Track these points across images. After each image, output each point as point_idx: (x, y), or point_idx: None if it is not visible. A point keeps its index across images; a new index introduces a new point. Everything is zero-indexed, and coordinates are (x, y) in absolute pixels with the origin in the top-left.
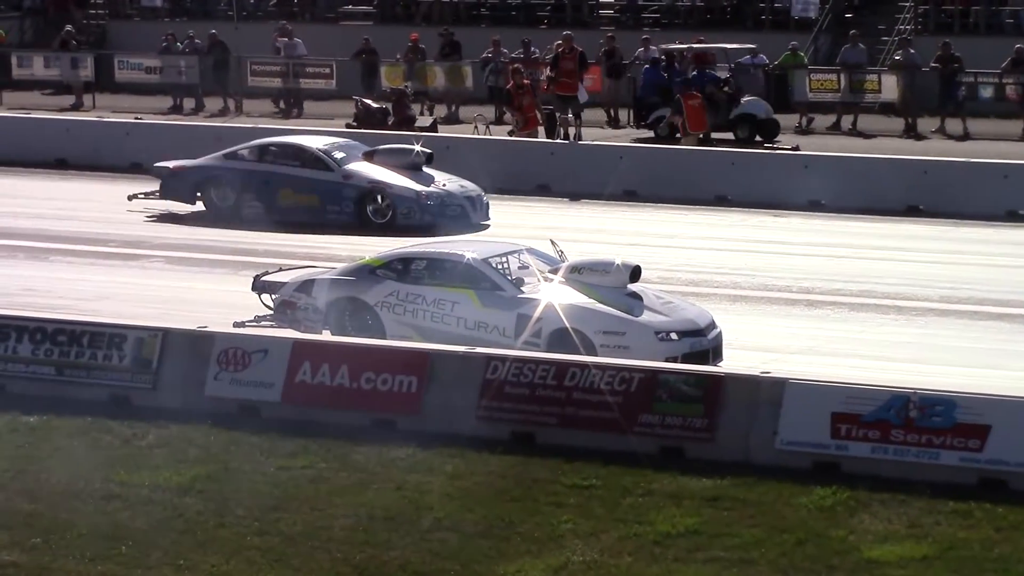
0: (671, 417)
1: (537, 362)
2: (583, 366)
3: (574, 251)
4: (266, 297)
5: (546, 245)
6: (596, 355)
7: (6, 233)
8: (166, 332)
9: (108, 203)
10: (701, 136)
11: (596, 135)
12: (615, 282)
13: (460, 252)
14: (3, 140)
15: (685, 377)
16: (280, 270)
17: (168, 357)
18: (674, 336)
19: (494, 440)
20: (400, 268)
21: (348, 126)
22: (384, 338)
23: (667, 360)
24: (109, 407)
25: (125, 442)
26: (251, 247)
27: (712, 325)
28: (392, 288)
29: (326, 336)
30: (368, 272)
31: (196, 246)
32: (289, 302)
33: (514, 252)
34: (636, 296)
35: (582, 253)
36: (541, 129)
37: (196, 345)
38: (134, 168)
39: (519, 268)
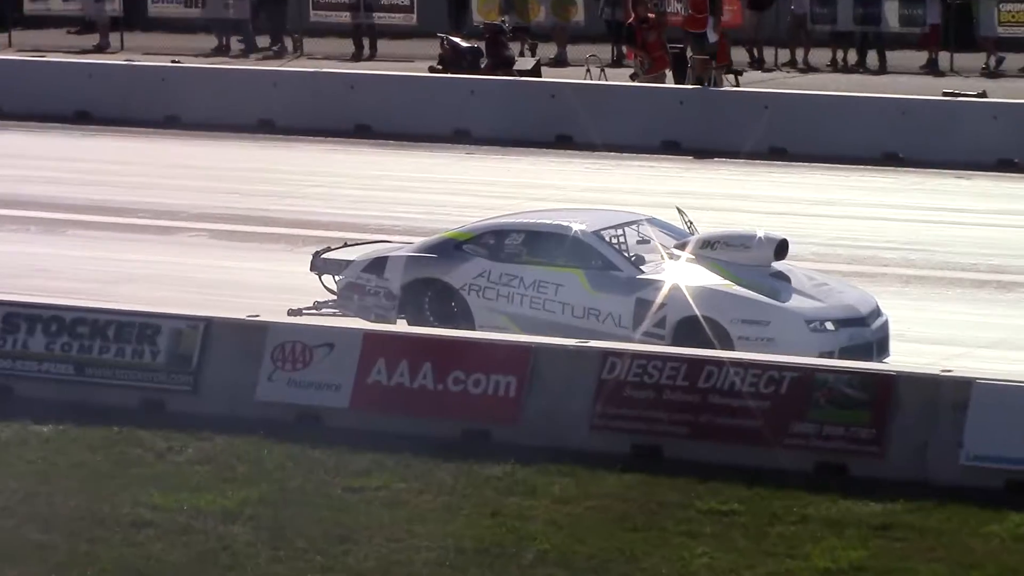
0: (830, 426)
1: (664, 359)
2: (720, 363)
3: (706, 222)
4: (328, 279)
5: (671, 214)
6: (734, 349)
7: (14, 202)
8: (209, 322)
9: (138, 164)
10: None
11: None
12: (757, 259)
13: (566, 223)
14: (12, 89)
15: (848, 377)
16: (345, 245)
17: (212, 353)
18: (830, 326)
19: (611, 455)
20: (492, 243)
21: (432, 70)
22: (473, 328)
23: (821, 355)
24: (140, 414)
25: (159, 457)
26: (312, 218)
27: (877, 312)
28: (482, 267)
29: (403, 327)
30: (453, 248)
31: (244, 217)
32: (356, 285)
33: (632, 223)
34: (782, 277)
35: (716, 224)
36: (669, 73)
37: (246, 338)
38: (169, 122)
39: (638, 243)
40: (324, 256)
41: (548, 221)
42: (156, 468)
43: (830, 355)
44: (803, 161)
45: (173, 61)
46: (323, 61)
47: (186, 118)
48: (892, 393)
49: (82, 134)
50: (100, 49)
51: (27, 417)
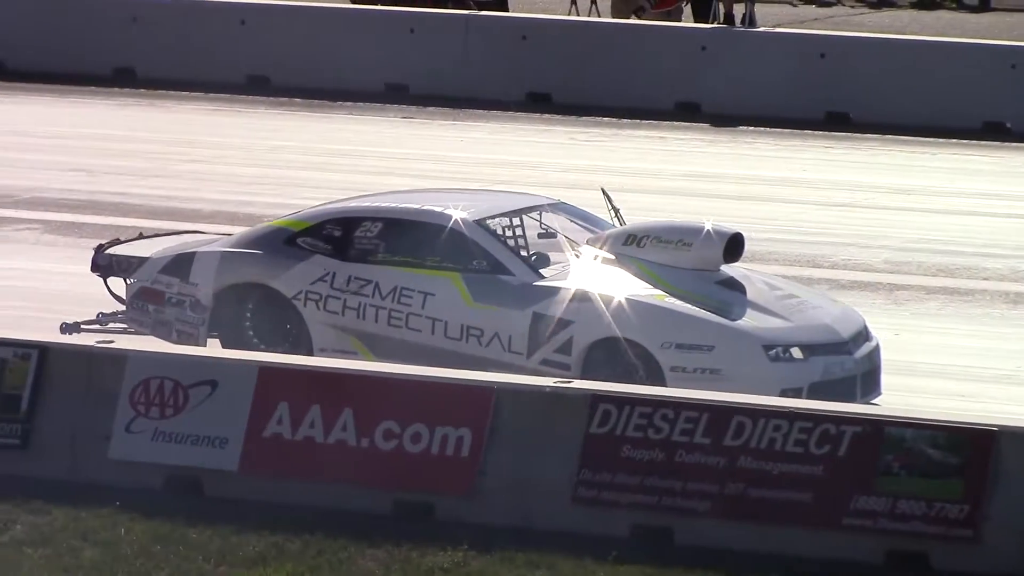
0: (907, 501)
1: (677, 406)
2: (754, 412)
3: (733, 217)
4: (116, 282)
5: (681, 204)
6: (664, 383)
7: None
8: (44, 349)
9: None
10: None
11: (778, 16)
12: (700, 261)
13: (439, 209)
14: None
15: (932, 433)
16: (141, 236)
17: (48, 392)
18: (796, 353)
19: (602, 538)
20: (338, 236)
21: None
22: (310, 351)
23: (785, 392)
24: None
25: None
26: (184, 206)
27: (864, 335)
28: (323, 268)
29: (314, 359)
30: (283, 241)
31: (92, 204)
32: (151, 291)
33: (533, 209)
34: (735, 286)
35: (748, 221)
36: (687, 7)
37: (96, 372)
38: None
39: (540, 236)
40: (111, 251)
41: (415, 206)
42: None
43: (796, 393)
44: (871, 132)
45: None
46: None
47: (11, 64)
48: (993, 454)
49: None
50: None
51: None
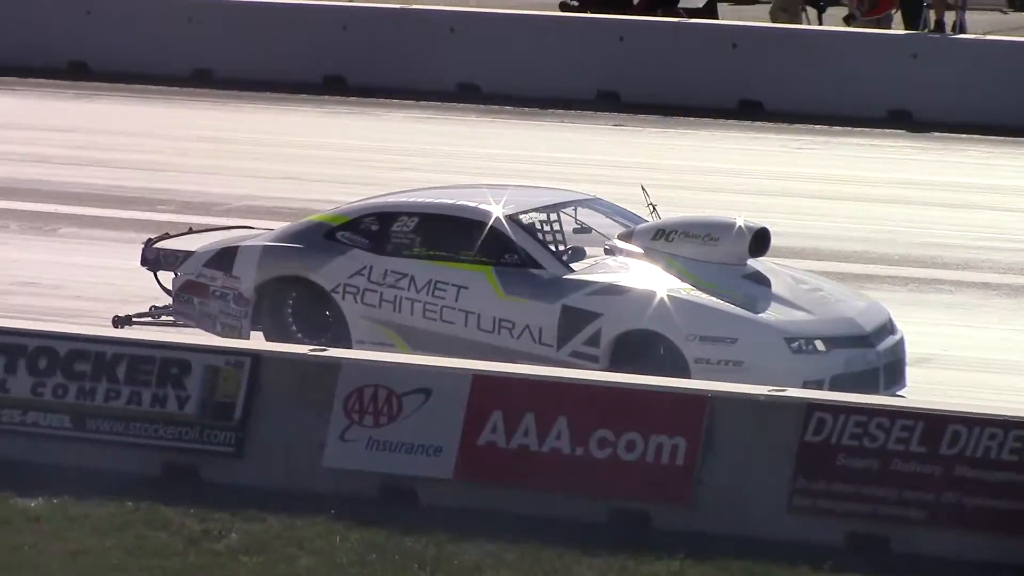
0: None
1: (892, 414)
2: (969, 421)
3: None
4: (166, 276)
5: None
6: (689, 374)
7: None
8: (257, 357)
9: (160, 137)
10: None
11: (989, 23)
12: (727, 255)
13: (473, 204)
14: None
15: None
16: (190, 231)
17: (262, 401)
18: (819, 346)
19: (818, 547)
20: (375, 230)
21: (564, 7)
22: (348, 343)
23: (807, 384)
24: (163, 484)
25: (191, 543)
26: None
27: (887, 329)
28: (361, 262)
29: (527, 367)
30: (323, 236)
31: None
32: (196, 284)
33: (568, 204)
34: (760, 279)
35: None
36: (897, 15)
37: (310, 380)
38: (199, 77)
39: (576, 231)
40: (158, 245)
41: (449, 201)
42: (187, 560)
43: (818, 384)
44: None
45: None
46: None
47: (220, 71)
48: None
49: (77, 95)
50: None
51: (9, 488)
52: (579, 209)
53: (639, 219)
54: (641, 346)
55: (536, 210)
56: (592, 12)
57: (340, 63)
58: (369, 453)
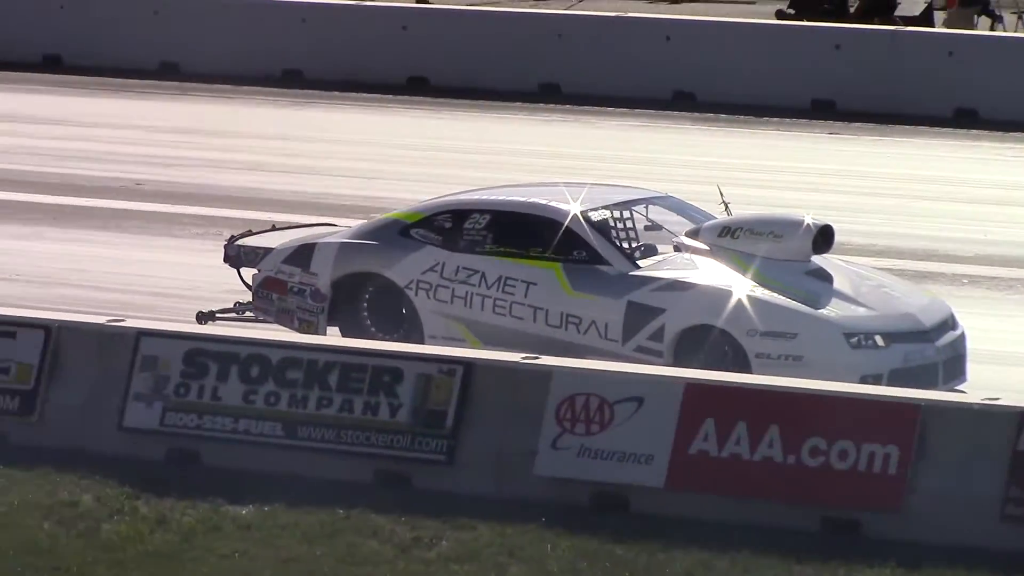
0: None
1: None
2: None
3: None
4: (249, 272)
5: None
6: (750, 369)
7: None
8: (469, 365)
9: (368, 144)
10: None
11: None
12: (790, 252)
13: (543, 202)
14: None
15: None
16: (273, 228)
17: (474, 408)
18: (878, 341)
19: None
20: (448, 228)
21: (780, 15)
22: (421, 338)
23: (864, 380)
24: (374, 491)
25: (402, 551)
26: None
27: (948, 325)
28: (434, 259)
29: (738, 376)
30: (398, 233)
31: None
32: (275, 280)
33: (639, 202)
34: (822, 276)
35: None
36: None
37: (521, 388)
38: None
39: (647, 229)
40: (240, 243)
41: (520, 199)
42: (397, 567)
43: (877, 379)
44: None
45: None
46: None
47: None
48: None
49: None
50: None
51: (220, 495)
52: (651, 207)
53: (710, 217)
54: (704, 341)
55: (605, 208)
56: (808, 20)
57: (555, 70)
58: (580, 461)
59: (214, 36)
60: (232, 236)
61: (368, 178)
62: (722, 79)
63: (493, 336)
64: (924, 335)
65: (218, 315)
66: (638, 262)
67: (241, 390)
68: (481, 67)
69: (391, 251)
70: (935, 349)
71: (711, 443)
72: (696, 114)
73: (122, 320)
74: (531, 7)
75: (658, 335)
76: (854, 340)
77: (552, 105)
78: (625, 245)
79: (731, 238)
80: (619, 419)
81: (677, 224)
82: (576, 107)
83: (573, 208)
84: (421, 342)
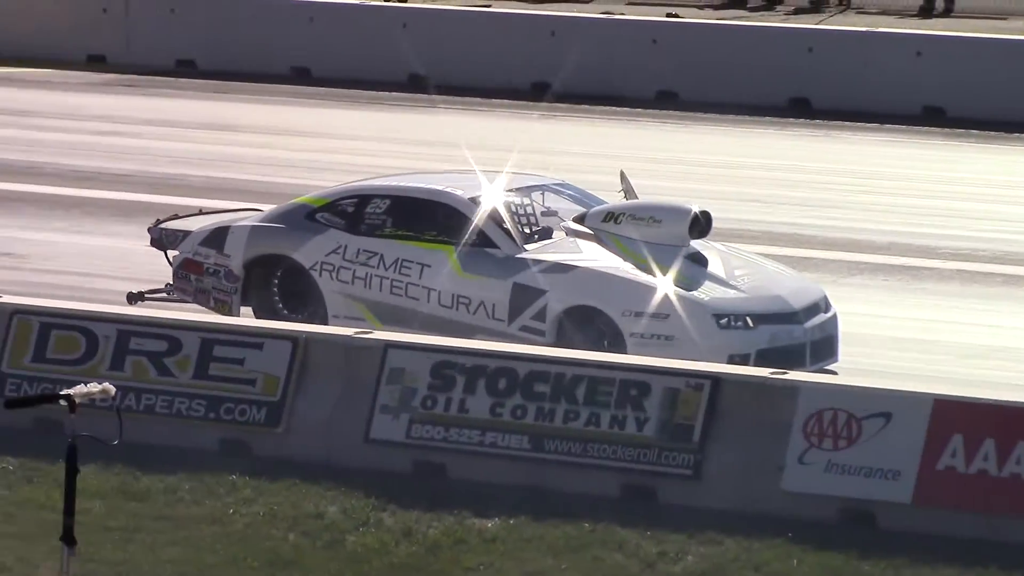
0: None
1: None
2: None
3: None
4: (174, 255)
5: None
6: (625, 349)
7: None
8: (716, 380)
9: (621, 158)
10: None
11: None
12: (668, 237)
13: (439, 187)
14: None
15: None
16: (200, 212)
17: (721, 422)
18: (746, 322)
19: None
20: (351, 212)
21: None
22: (325, 319)
23: (732, 360)
24: (621, 506)
25: (647, 566)
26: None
27: (818, 307)
28: (336, 241)
29: (993, 392)
30: (304, 217)
31: (772, 235)
32: (192, 262)
33: (534, 188)
34: (699, 259)
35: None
36: None
37: (769, 402)
38: (663, 99)
39: (544, 214)
40: (163, 226)
41: (418, 185)
42: None
43: (745, 359)
44: None
45: None
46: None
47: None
48: None
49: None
50: None
51: (466, 507)
52: (547, 194)
53: (601, 203)
54: (583, 321)
55: (498, 194)
56: None
57: (806, 85)
58: (827, 476)
59: (461, 49)
60: (157, 219)
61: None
62: (975, 94)
63: (391, 316)
64: (792, 316)
65: (147, 295)
66: (525, 246)
67: (488, 403)
68: (730, 82)
69: (298, 234)
70: (803, 330)
71: (959, 459)
72: (947, 129)
73: (369, 332)
74: (781, 21)
75: (541, 315)
76: (723, 321)
77: (802, 120)
78: (526, 230)
79: (614, 223)
80: (867, 434)
81: (572, 211)
82: (826, 122)
83: (466, 194)
84: (326, 322)
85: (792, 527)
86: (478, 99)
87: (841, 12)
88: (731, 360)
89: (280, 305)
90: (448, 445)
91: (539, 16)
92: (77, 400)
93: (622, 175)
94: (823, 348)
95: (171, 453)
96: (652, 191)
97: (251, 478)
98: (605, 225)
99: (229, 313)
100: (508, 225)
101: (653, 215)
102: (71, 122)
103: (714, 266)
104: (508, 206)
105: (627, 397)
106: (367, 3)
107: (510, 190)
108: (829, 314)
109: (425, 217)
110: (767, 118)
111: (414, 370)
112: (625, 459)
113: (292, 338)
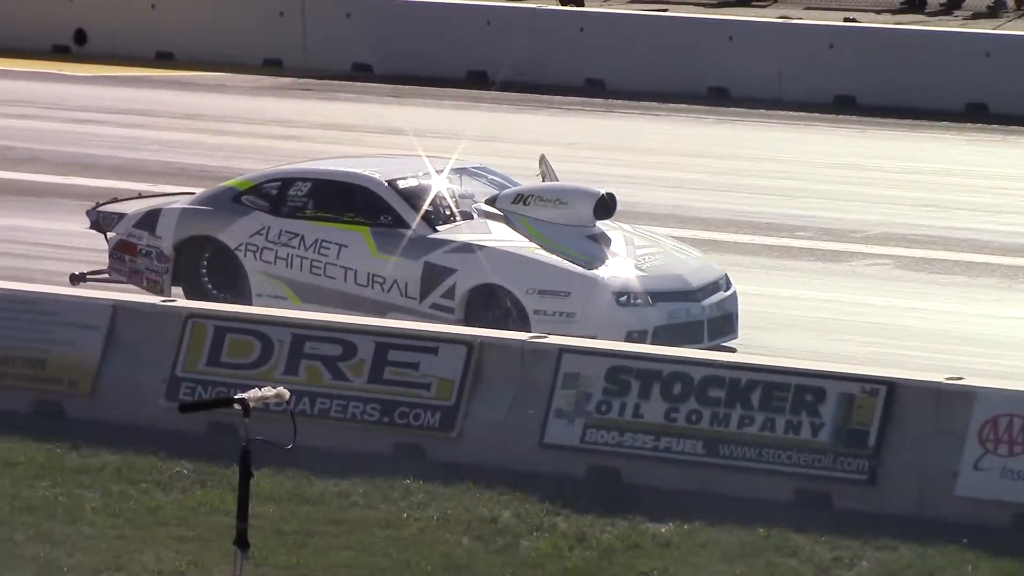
0: None
1: None
2: None
3: None
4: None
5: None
6: (528, 325)
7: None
8: (892, 385)
9: (796, 163)
10: None
11: None
12: (574, 218)
13: (357, 170)
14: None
15: None
16: (140, 196)
17: (896, 429)
18: (644, 299)
19: None
20: (274, 194)
21: None
22: (249, 299)
23: (630, 336)
24: (795, 511)
25: (821, 571)
26: None
27: (717, 286)
28: (260, 223)
29: None
30: (231, 199)
31: (947, 241)
32: (127, 243)
33: (456, 172)
34: (602, 240)
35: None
36: None
37: (944, 408)
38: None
39: (462, 197)
40: (102, 209)
41: (336, 167)
42: None
43: (643, 335)
44: None
45: None
46: None
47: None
48: None
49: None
50: None
51: (641, 512)
52: (464, 177)
53: (516, 185)
54: (490, 299)
55: (414, 177)
56: None
57: (983, 89)
58: (1003, 482)
59: (637, 53)
60: (97, 203)
61: (792, 196)
62: None
63: (311, 294)
64: (690, 294)
65: (88, 276)
66: (436, 227)
67: (663, 408)
68: (907, 86)
69: (224, 216)
70: (700, 308)
71: None
72: None
73: (544, 337)
74: (959, 26)
75: (450, 293)
76: (622, 299)
77: (979, 124)
78: (445, 212)
79: (523, 204)
80: None
81: (487, 193)
82: (1003, 126)
83: (383, 176)
84: (250, 302)
85: (966, 533)
86: (654, 103)
87: (1020, 17)
88: (629, 336)
89: (209, 285)
90: (622, 450)
91: (716, 20)
92: (251, 404)
93: (542, 159)
94: (721, 325)
95: (344, 457)
96: (834, 196)
97: (425, 482)
98: (514, 207)
99: (160, 293)
100: (420, 206)
101: (559, 197)
102: (245, 126)
103: (617, 246)
104: (424, 189)
105: (802, 402)
106: (545, 7)
107: (425, 173)
108: (728, 292)
109: (343, 199)
110: (943, 123)
111: (589, 375)
112: (800, 464)
113: (467, 342)
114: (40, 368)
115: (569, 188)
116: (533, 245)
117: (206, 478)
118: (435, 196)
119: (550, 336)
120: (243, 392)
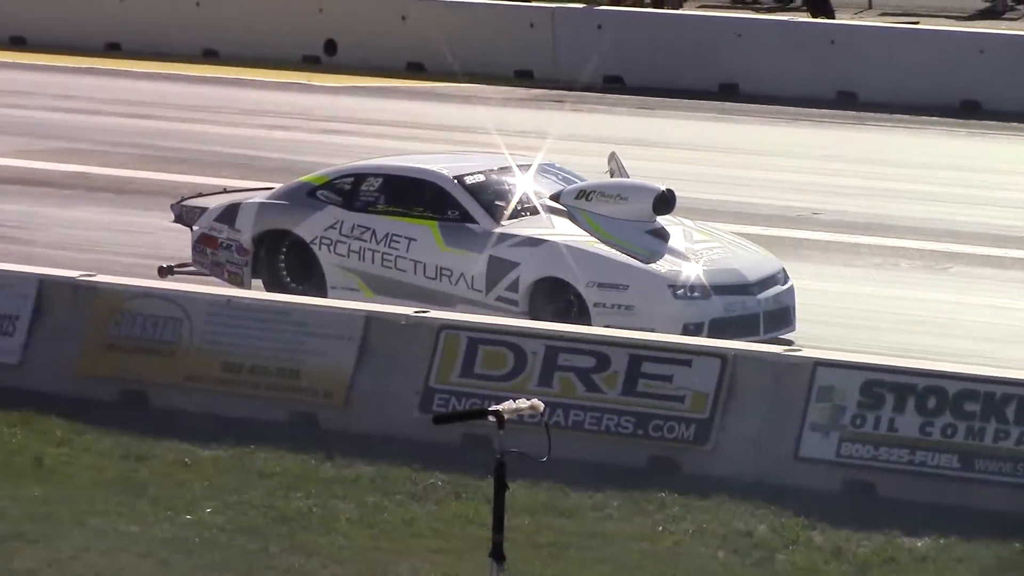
0: None
1: None
2: None
3: None
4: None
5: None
6: (590, 319)
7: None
8: None
9: None
10: None
11: None
12: (634, 213)
13: (427, 166)
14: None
15: None
16: (224, 191)
17: None
18: (700, 292)
19: None
20: (348, 190)
21: None
22: (324, 290)
23: (687, 329)
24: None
25: None
26: None
27: (774, 280)
28: (334, 217)
29: None
30: (306, 194)
31: None
32: (208, 236)
33: (522, 168)
34: (661, 234)
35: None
36: None
37: None
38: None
39: (527, 193)
40: (185, 203)
41: (408, 163)
42: None
43: (699, 327)
44: None
45: None
46: None
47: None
48: None
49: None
50: None
51: (895, 526)
52: (533, 174)
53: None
54: (552, 292)
55: (481, 173)
56: None
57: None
58: None
59: (891, 66)
60: (181, 197)
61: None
62: None
63: (382, 287)
64: (746, 288)
65: (176, 269)
66: (502, 222)
67: (918, 422)
68: None
69: (300, 210)
70: (756, 301)
71: None
72: None
73: (799, 350)
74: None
75: (514, 286)
76: (679, 292)
77: None
78: (511, 207)
79: (585, 200)
80: None
81: (553, 189)
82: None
83: (451, 172)
84: (325, 293)
85: None
86: (906, 116)
87: None
88: (685, 329)
89: (288, 278)
90: (877, 464)
91: (965, 34)
92: (506, 416)
93: (612, 155)
94: (778, 318)
95: (599, 470)
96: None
97: (680, 495)
98: (577, 202)
99: (241, 285)
100: (486, 202)
101: (620, 193)
102: (487, 136)
103: (675, 241)
104: (490, 185)
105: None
106: (796, 19)
107: (491, 169)
108: (785, 286)
109: (412, 194)
110: None
111: (844, 388)
112: None
113: (721, 355)
114: (294, 378)
115: (630, 184)
116: (593, 239)
117: (460, 490)
118: (501, 191)
119: (804, 349)
120: (497, 404)
